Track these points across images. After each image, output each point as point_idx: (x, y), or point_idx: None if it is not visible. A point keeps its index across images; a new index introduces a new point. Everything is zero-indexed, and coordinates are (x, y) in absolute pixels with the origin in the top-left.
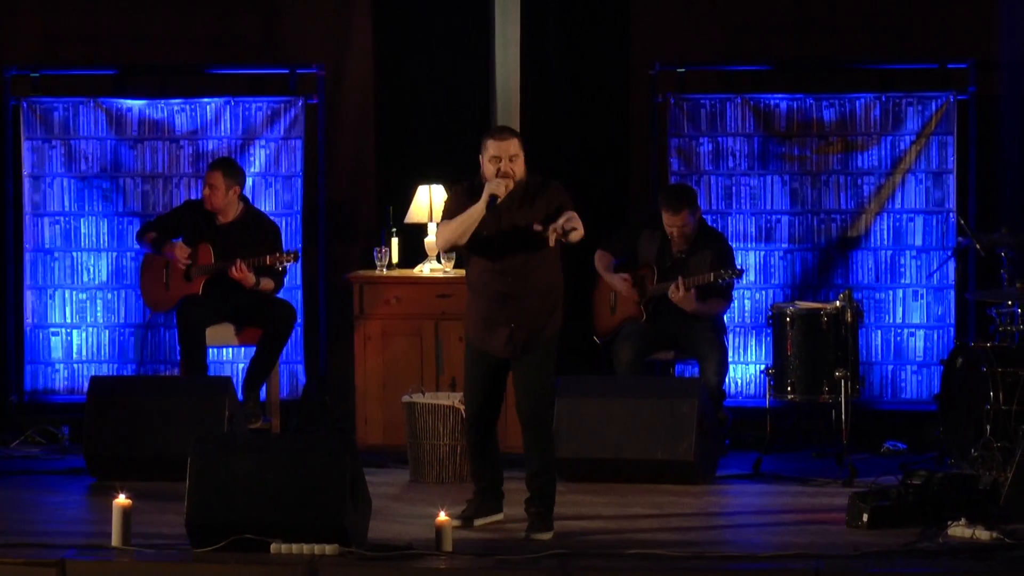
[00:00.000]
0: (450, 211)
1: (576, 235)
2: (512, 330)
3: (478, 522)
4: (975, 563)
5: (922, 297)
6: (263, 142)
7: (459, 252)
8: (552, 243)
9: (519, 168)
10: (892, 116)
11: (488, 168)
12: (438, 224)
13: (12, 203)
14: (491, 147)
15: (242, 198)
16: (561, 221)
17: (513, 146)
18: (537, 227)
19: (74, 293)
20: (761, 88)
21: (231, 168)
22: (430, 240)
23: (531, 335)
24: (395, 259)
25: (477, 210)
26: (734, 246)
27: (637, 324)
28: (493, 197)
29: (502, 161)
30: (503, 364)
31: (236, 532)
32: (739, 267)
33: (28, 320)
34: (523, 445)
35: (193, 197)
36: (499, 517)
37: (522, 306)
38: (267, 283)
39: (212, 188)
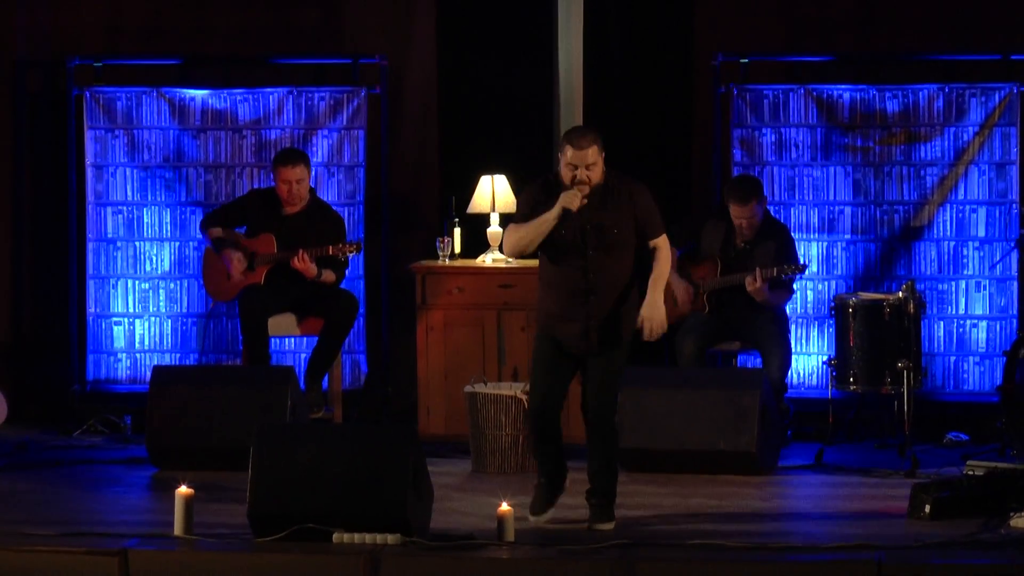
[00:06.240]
0: (522, 211)
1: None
2: (588, 326)
3: (547, 518)
4: None
5: (985, 288)
6: (326, 132)
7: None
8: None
9: (596, 175)
10: (955, 107)
11: (564, 173)
12: (510, 223)
13: (75, 193)
14: (568, 154)
15: (309, 189)
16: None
17: (591, 154)
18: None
19: (136, 283)
20: (824, 79)
21: (307, 159)
22: (493, 230)
23: (606, 332)
24: (457, 249)
25: (548, 221)
26: (797, 237)
27: (700, 316)
28: (566, 211)
29: (578, 170)
30: (574, 359)
31: (298, 522)
32: (802, 262)
33: (91, 310)
34: (587, 443)
35: (256, 186)
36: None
37: (600, 303)
38: (328, 275)
39: (299, 183)
